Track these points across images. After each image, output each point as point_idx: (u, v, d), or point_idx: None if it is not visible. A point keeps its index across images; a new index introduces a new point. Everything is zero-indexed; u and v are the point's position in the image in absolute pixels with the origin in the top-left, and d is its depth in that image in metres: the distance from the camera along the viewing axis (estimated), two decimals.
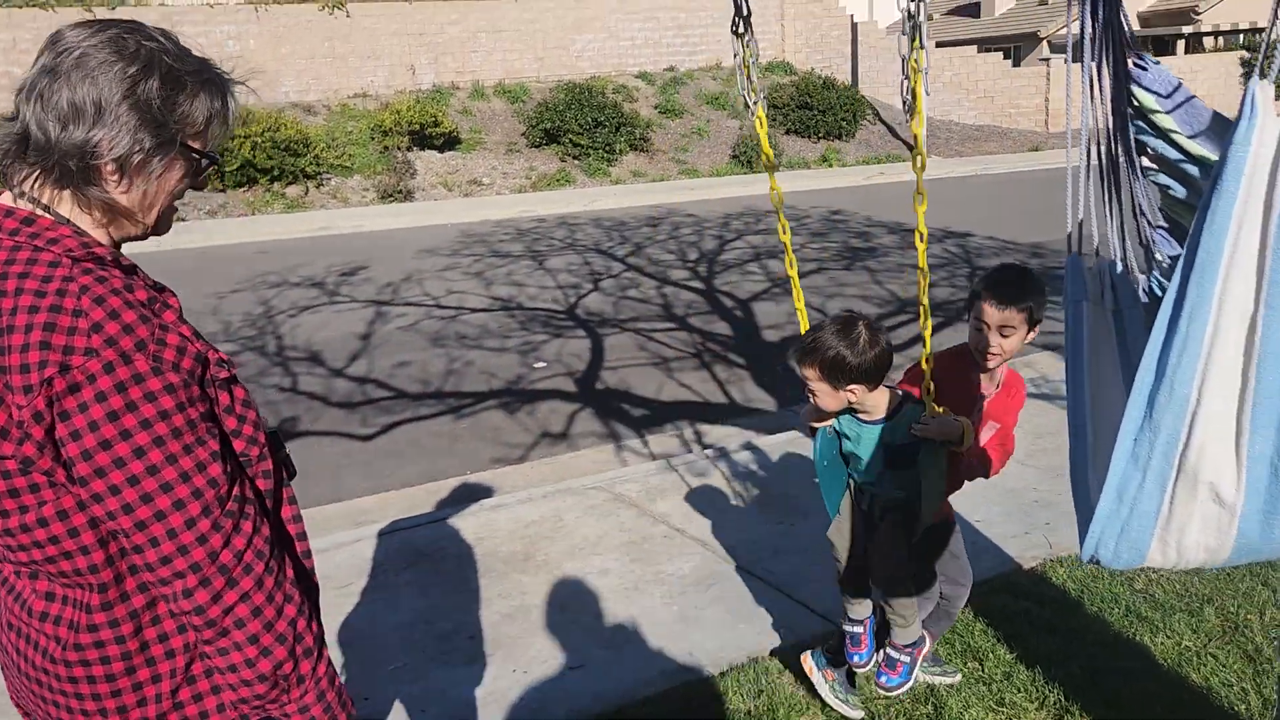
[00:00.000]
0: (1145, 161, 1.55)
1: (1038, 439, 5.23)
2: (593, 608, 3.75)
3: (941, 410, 2.54)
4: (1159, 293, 1.54)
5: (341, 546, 4.37)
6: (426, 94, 20.98)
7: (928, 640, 2.89)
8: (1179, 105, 1.53)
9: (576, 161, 20.44)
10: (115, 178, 1.37)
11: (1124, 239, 1.59)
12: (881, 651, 2.88)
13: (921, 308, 2.53)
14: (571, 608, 3.76)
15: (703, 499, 4.75)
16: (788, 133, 22.54)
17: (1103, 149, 1.58)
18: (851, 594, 2.87)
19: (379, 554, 4.30)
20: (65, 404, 1.27)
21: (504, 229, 14.83)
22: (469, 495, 5.11)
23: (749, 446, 5.44)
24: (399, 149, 19.07)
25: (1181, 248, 1.53)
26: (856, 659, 2.88)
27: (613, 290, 10.09)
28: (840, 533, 2.84)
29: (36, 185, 1.37)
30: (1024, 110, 25.47)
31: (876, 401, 2.60)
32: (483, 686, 3.26)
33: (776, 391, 6.74)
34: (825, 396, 2.56)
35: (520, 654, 3.44)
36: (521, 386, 7.12)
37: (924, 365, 2.53)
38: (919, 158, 2.37)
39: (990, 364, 2.69)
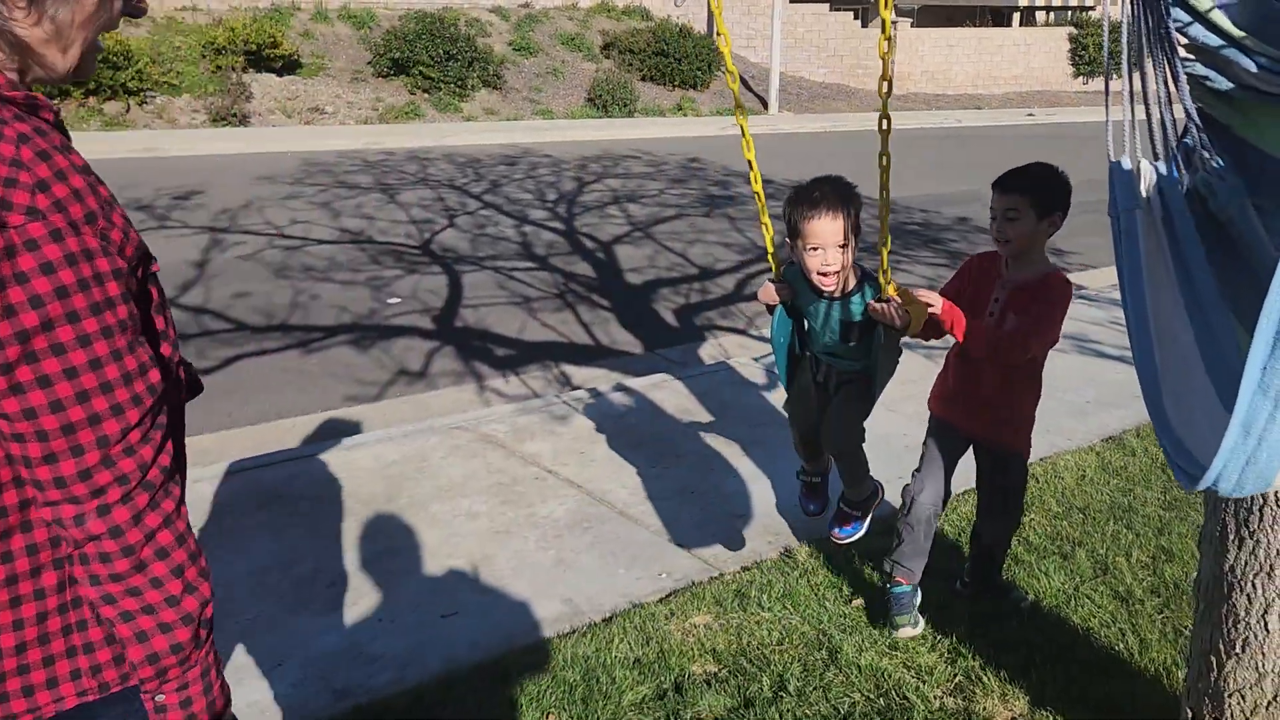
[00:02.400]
0: (1182, 52, 1.44)
1: (903, 385, 5.27)
2: (464, 552, 3.53)
3: (896, 294, 2.52)
4: (1204, 193, 1.43)
5: None
6: (264, 12, 19.68)
7: (881, 492, 3.00)
8: None
9: (427, 95, 19.65)
10: (23, 7, 1.10)
11: (1166, 138, 1.48)
12: (837, 505, 3.00)
13: (882, 193, 2.51)
14: (441, 552, 3.53)
15: (573, 440, 4.57)
16: (644, 79, 22.33)
17: (1142, 38, 1.46)
18: (806, 456, 3.05)
19: (223, 495, 3.94)
20: None
21: (350, 160, 14.10)
22: (323, 433, 4.77)
23: (619, 388, 5.29)
24: (233, 69, 17.83)
25: (1218, 144, 1.43)
26: (811, 507, 3.14)
27: (469, 227, 9.72)
28: (797, 403, 2.94)
29: None
30: (871, 71, 26.06)
31: (847, 271, 2.64)
32: (347, 636, 3.00)
33: (643, 334, 6.60)
34: (847, 256, 2.58)
35: (388, 601, 3.19)
36: (375, 322, 6.73)
37: (881, 250, 2.48)
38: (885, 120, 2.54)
39: (1001, 248, 2.85)
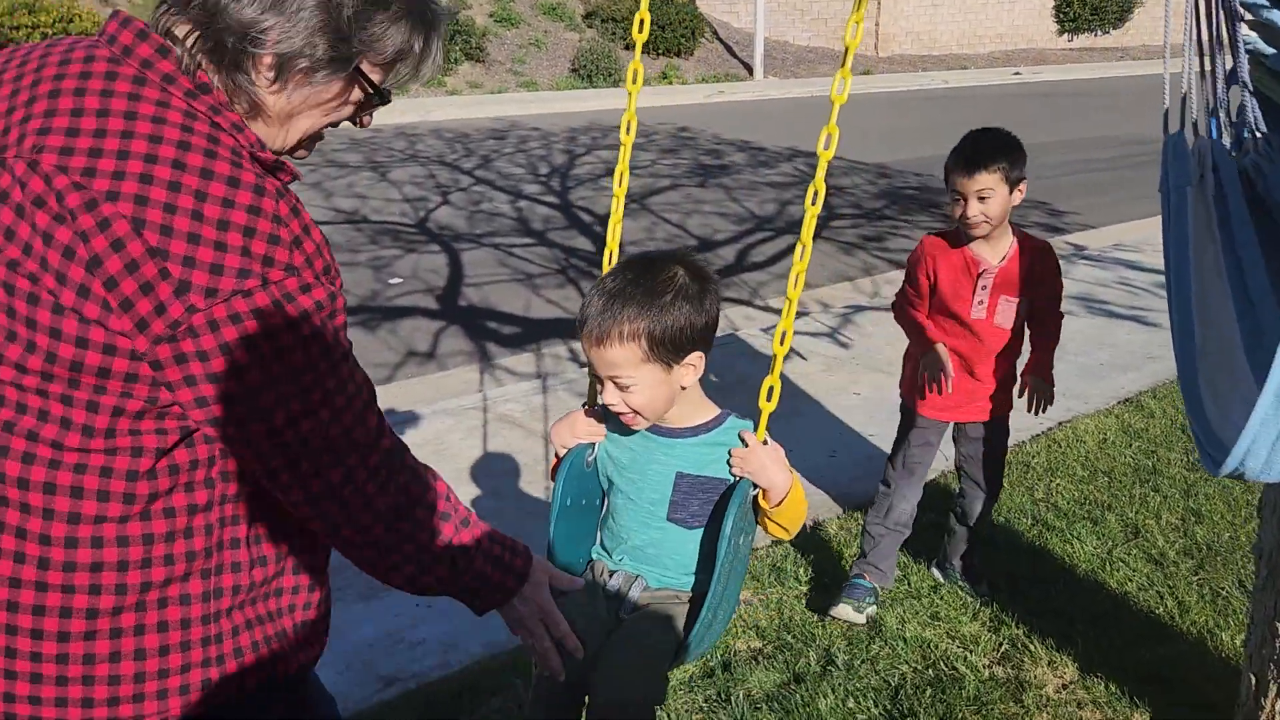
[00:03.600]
0: (1244, 29, 1.41)
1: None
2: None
3: (765, 440, 1.65)
4: (1254, 176, 1.41)
5: None
6: None
7: None
8: None
9: None
10: (270, 75, 1.12)
11: (1224, 114, 1.45)
12: None
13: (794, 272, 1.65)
14: None
15: None
16: (627, 47, 22.11)
17: (1201, 11, 1.43)
18: None
19: None
20: (245, 325, 1.05)
21: (336, 137, 13.91)
22: None
23: None
24: None
25: (1272, 124, 1.41)
26: None
27: (463, 204, 9.63)
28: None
29: (193, 48, 1.11)
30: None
31: (695, 392, 1.69)
32: (387, 624, 2.99)
33: None
34: (643, 387, 1.60)
35: None
36: (379, 303, 6.67)
37: (776, 348, 1.63)
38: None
39: (978, 231, 2.68)
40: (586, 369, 1.71)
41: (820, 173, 1.65)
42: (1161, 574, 3.11)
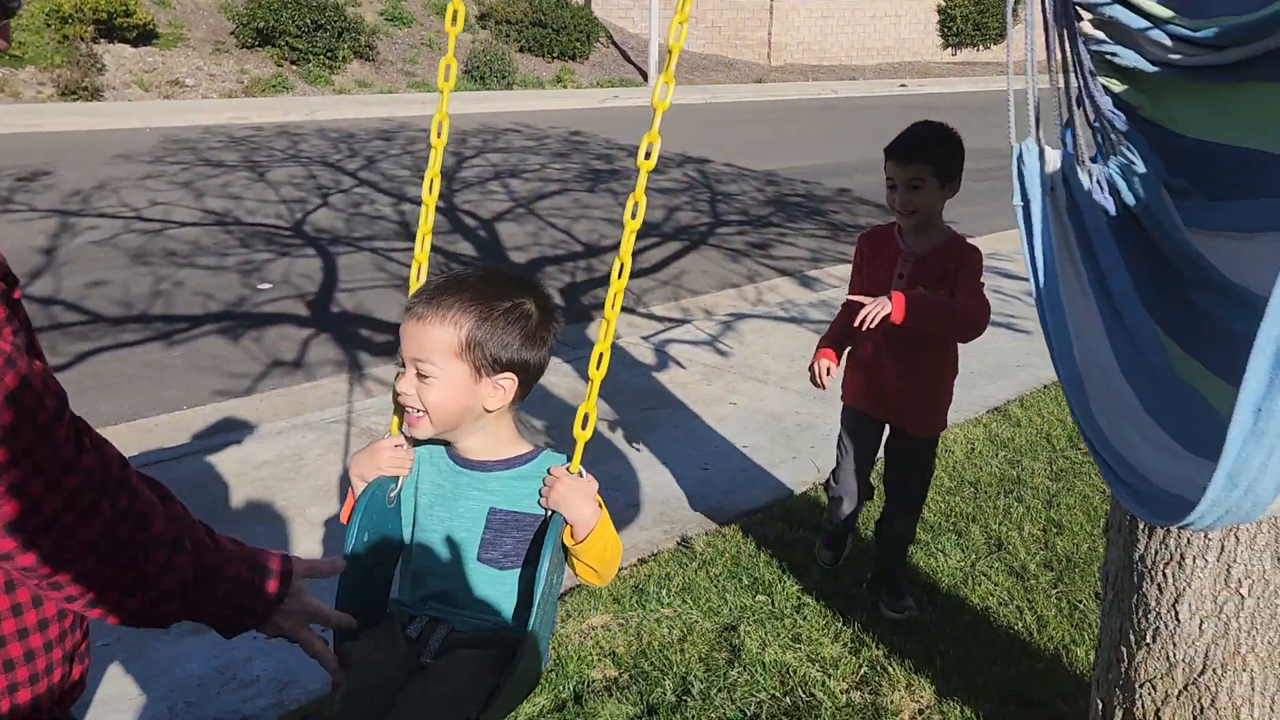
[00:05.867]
0: (1087, 28, 1.35)
1: (792, 361, 5.26)
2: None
3: (579, 471, 1.54)
4: (1122, 183, 1.34)
5: None
6: None
7: None
8: None
9: (295, 67, 18.84)
10: None
11: (1073, 120, 1.38)
12: None
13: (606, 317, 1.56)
14: None
15: None
16: (521, 50, 21.89)
17: (1045, 12, 1.36)
18: None
19: None
20: None
21: (214, 136, 13.39)
22: (188, 433, 4.46)
23: None
24: (82, 39, 16.71)
25: (1132, 126, 1.35)
26: None
27: (344, 206, 9.32)
28: (357, 672, 1.48)
29: None
30: (749, 42, 26.16)
31: (506, 428, 1.60)
32: (217, 659, 2.77)
33: None
34: (444, 384, 1.49)
35: None
36: (245, 310, 6.36)
37: (593, 372, 1.52)
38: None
39: (906, 221, 2.71)
40: (394, 378, 1.56)
41: (640, 184, 1.54)
42: (1022, 587, 3.10)
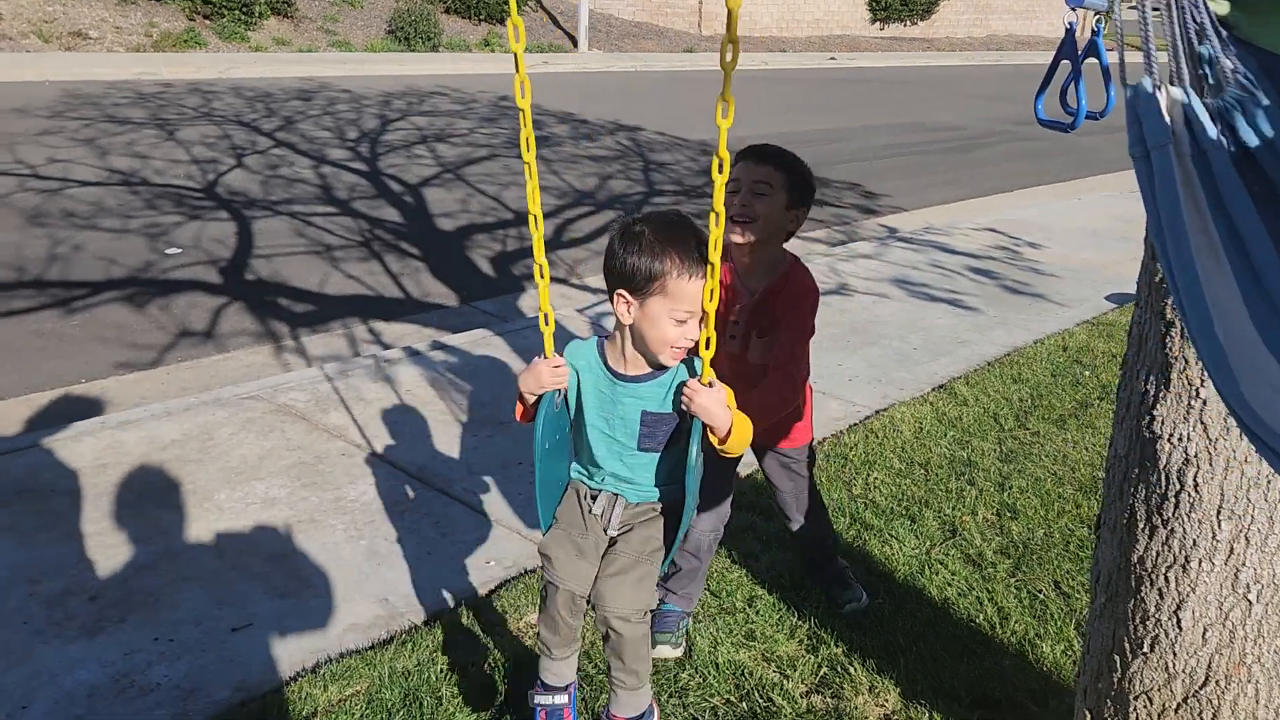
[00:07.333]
0: None
1: None
2: (259, 548, 3.05)
3: (710, 382, 1.87)
4: (1240, 118, 1.12)
5: None
6: None
7: (655, 713, 2.19)
8: None
9: (208, 21, 18.00)
10: None
11: (1191, 57, 1.17)
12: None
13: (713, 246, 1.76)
14: (231, 550, 3.04)
15: (384, 409, 4.11)
16: (447, 11, 21.28)
17: None
18: (559, 643, 2.08)
19: None
20: None
21: (120, 91, 12.69)
22: (86, 410, 4.11)
23: (435, 345, 4.84)
24: None
25: (1239, 51, 1.14)
26: None
27: (260, 168, 8.85)
28: (565, 549, 2.03)
29: None
30: (679, 10, 25.82)
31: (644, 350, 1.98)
32: (114, 664, 2.50)
33: (457, 285, 6.13)
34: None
35: (164, 616, 2.69)
36: (151, 276, 5.95)
37: (706, 305, 1.80)
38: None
39: (740, 234, 2.33)
40: (538, 316, 1.96)
41: (722, 141, 1.81)
42: (980, 576, 2.97)
